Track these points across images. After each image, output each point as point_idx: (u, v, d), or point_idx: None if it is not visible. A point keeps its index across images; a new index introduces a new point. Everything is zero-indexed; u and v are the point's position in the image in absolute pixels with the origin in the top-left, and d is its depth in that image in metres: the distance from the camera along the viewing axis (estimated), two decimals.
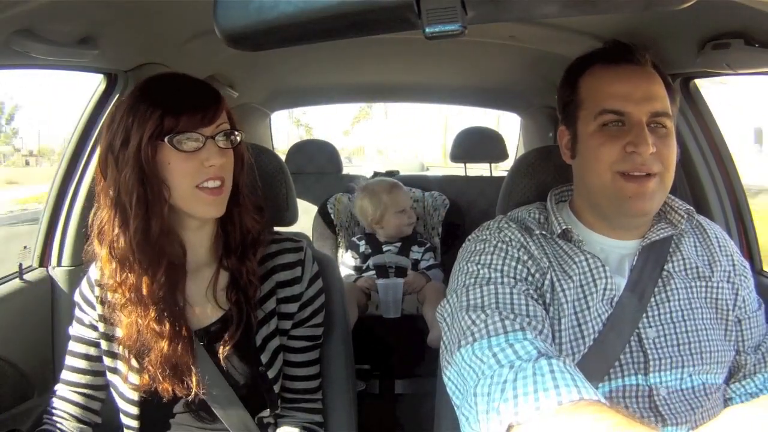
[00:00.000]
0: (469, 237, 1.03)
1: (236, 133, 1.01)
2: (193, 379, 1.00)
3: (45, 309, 1.50)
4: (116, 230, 0.96)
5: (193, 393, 1.00)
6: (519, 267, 0.94)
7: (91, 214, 1.01)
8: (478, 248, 0.98)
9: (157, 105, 0.94)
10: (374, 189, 2.23)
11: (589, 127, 0.97)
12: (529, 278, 0.94)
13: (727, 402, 1.01)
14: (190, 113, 0.95)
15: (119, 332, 1.03)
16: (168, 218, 0.97)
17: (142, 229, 0.95)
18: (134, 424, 1.05)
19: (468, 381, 0.79)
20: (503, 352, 0.77)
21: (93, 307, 1.07)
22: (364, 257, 2.21)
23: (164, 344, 0.99)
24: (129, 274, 0.98)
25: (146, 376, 1.01)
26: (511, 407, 0.68)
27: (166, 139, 0.94)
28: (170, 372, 1.00)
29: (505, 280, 0.91)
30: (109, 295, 1.02)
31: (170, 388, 1.00)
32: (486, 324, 0.83)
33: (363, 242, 2.23)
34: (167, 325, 0.99)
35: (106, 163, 0.97)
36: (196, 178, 0.96)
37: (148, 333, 0.99)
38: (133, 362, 1.02)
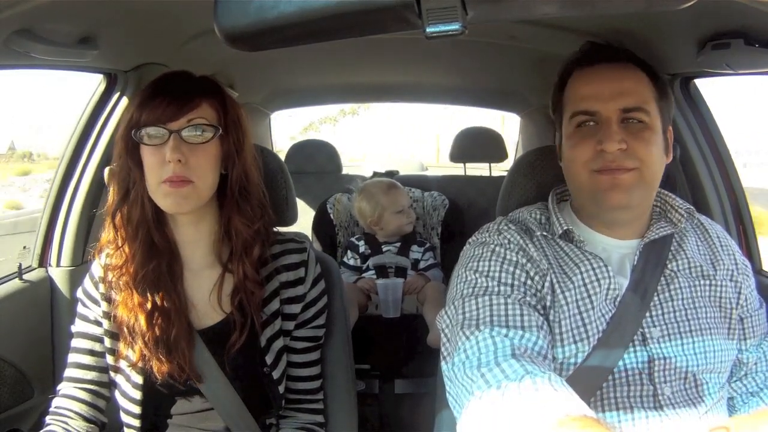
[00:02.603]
0: (470, 240, 1.04)
1: (208, 127, 0.98)
2: (187, 362, 1.01)
3: (44, 309, 1.50)
4: (112, 209, 1.03)
5: (185, 377, 1.01)
6: (517, 272, 0.94)
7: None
8: (476, 253, 0.98)
9: (136, 99, 0.99)
10: (371, 190, 2.23)
11: (567, 129, 1.00)
12: (528, 282, 0.94)
13: (728, 400, 1.01)
14: (154, 106, 0.96)
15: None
16: (153, 208, 1.01)
17: (126, 212, 1.01)
18: (136, 423, 1.05)
19: (462, 399, 0.81)
20: (491, 372, 0.79)
21: (97, 304, 1.07)
22: (364, 257, 2.20)
23: (156, 325, 1.00)
24: (117, 252, 1.03)
25: (138, 351, 1.02)
26: (499, 428, 0.71)
27: (132, 132, 0.97)
28: (164, 353, 1.01)
29: (502, 289, 0.92)
30: (110, 275, 1.04)
31: (164, 369, 1.01)
32: (477, 342, 0.85)
33: (362, 242, 2.23)
34: (157, 307, 1.01)
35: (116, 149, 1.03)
36: (161, 174, 0.96)
37: (138, 312, 1.01)
38: (130, 353, 1.02)
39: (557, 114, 1.04)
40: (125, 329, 1.02)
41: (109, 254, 1.05)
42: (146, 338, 1.00)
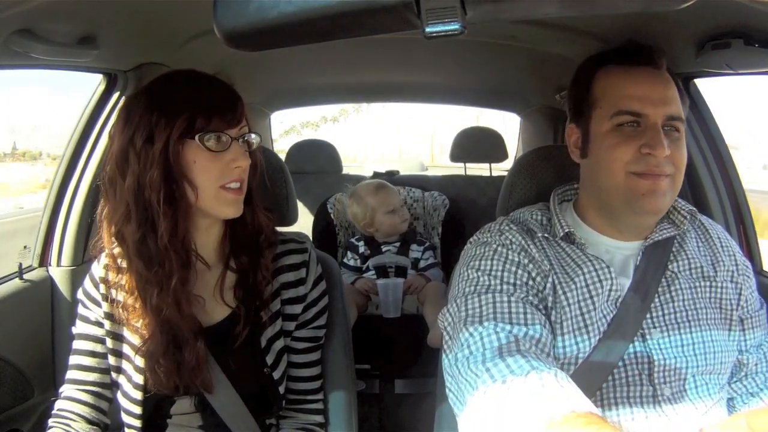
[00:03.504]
0: (471, 240, 1.04)
1: (253, 136, 1.01)
2: (203, 380, 1.00)
3: (45, 309, 1.50)
4: (139, 230, 0.94)
5: (198, 393, 1.00)
6: (519, 272, 0.94)
7: (99, 210, 1.00)
8: (478, 252, 0.98)
9: (186, 103, 0.93)
10: (360, 193, 2.24)
11: (603, 127, 0.96)
12: (530, 282, 0.94)
13: (728, 401, 1.01)
14: (221, 113, 0.95)
15: (125, 331, 1.03)
16: (192, 216, 0.99)
17: (171, 228, 0.94)
18: (137, 423, 1.04)
19: (464, 394, 0.81)
20: (496, 367, 0.79)
21: (99, 305, 1.06)
22: (364, 258, 2.21)
23: (177, 348, 0.99)
24: (151, 274, 0.96)
25: (151, 376, 1.00)
26: (503, 423, 0.70)
27: (196, 138, 0.93)
28: (180, 373, 0.99)
29: (504, 287, 0.92)
30: (120, 297, 1.02)
31: (178, 388, 1.00)
32: (482, 337, 0.85)
33: (362, 243, 2.23)
34: (181, 328, 0.99)
35: (126, 160, 0.93)
36: (221, 179, 0.96)
37: (162, 336, 0.98)
38: (138, 362, 1.02)
39: (579, 109, 1.01)
40: (137, 355, 1.01)
41: (120, 286, 1.02)
42: (161, 365, 0.99)
